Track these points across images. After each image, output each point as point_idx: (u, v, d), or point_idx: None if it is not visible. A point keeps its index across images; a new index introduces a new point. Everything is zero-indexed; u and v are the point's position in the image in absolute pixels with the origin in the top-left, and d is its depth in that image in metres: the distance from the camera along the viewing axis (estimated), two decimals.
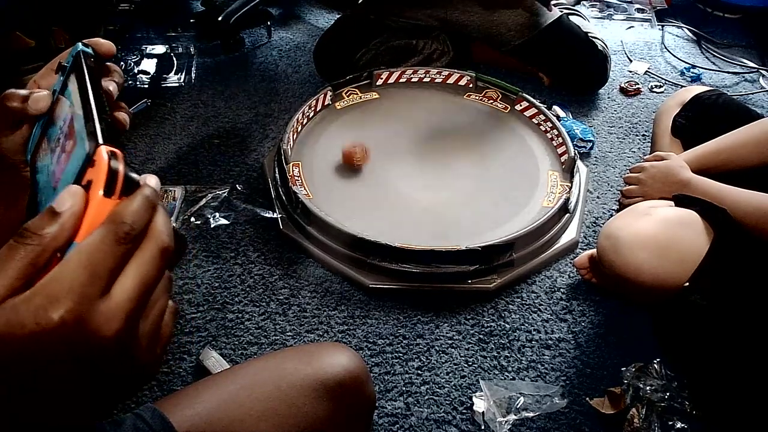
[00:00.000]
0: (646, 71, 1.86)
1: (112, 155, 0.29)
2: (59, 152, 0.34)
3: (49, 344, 0.26)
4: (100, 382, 0.29)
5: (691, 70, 1.85)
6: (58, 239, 0.28)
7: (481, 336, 1.14)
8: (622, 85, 1.78)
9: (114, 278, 0.28)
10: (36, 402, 0.28)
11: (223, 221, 1.34)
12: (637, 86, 1.77)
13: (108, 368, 0.28)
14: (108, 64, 0.41)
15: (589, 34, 1.70)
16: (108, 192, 0.29)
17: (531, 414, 1.01)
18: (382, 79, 1.64)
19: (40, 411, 0.28)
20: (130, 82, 1.77)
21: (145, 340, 0.30)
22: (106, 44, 0.40)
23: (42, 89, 0.39)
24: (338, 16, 1.90)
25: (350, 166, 1.38)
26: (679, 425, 0.98)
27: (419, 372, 1.09)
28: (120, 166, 0.29)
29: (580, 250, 1.30)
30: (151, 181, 0.30)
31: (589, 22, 1.85)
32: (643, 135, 1.62)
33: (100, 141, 0.30)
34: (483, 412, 1.01)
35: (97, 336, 0.27)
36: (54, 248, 0.28)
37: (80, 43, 0.38)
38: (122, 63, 1.81)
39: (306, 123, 1.50)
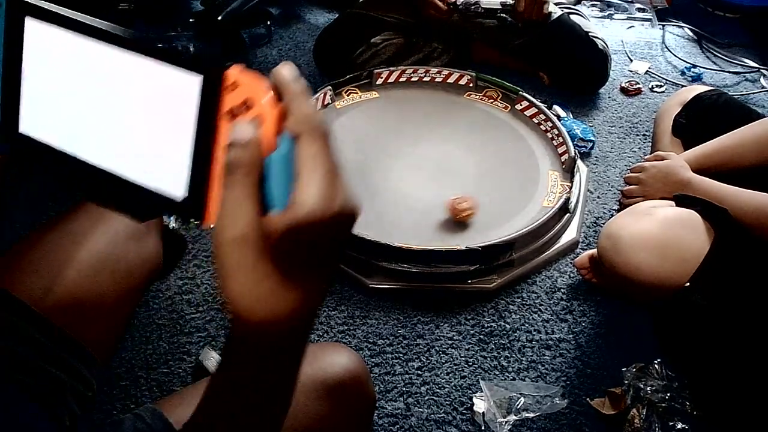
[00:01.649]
0: (647, 71, 1.86)
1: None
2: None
3: (333, 227, 0.31)
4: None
5: (692, 69, 1.85)
6: (255, 158, 0.31)
7: (482, 336, 1.14)
8: (623, 84, 1.78)
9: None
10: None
11: None
12: (637, 86, 1.77)
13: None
14: None
15: (590, 34, 1.70)
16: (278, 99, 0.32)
17: (531, 414, 1.00)
18: (382, 78, 1.63)
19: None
20: None
21: None
22: None
23: None
24: (340, 13, 1.90)
25: (456, 220, 1.26)
26: (679, 426, 0.97)
27: (419, 372, 1.09)
28: (260, 76, 0.32)
29: (581, 250, 1.30)
30: (285, 71, 0.33)
31: (590, 21, 1.84)
32: (644, 135, 1.62)
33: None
34: (483, 413, 1.01)
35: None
36: (257, 172, 0.31)
37: None
38: None
39: None
